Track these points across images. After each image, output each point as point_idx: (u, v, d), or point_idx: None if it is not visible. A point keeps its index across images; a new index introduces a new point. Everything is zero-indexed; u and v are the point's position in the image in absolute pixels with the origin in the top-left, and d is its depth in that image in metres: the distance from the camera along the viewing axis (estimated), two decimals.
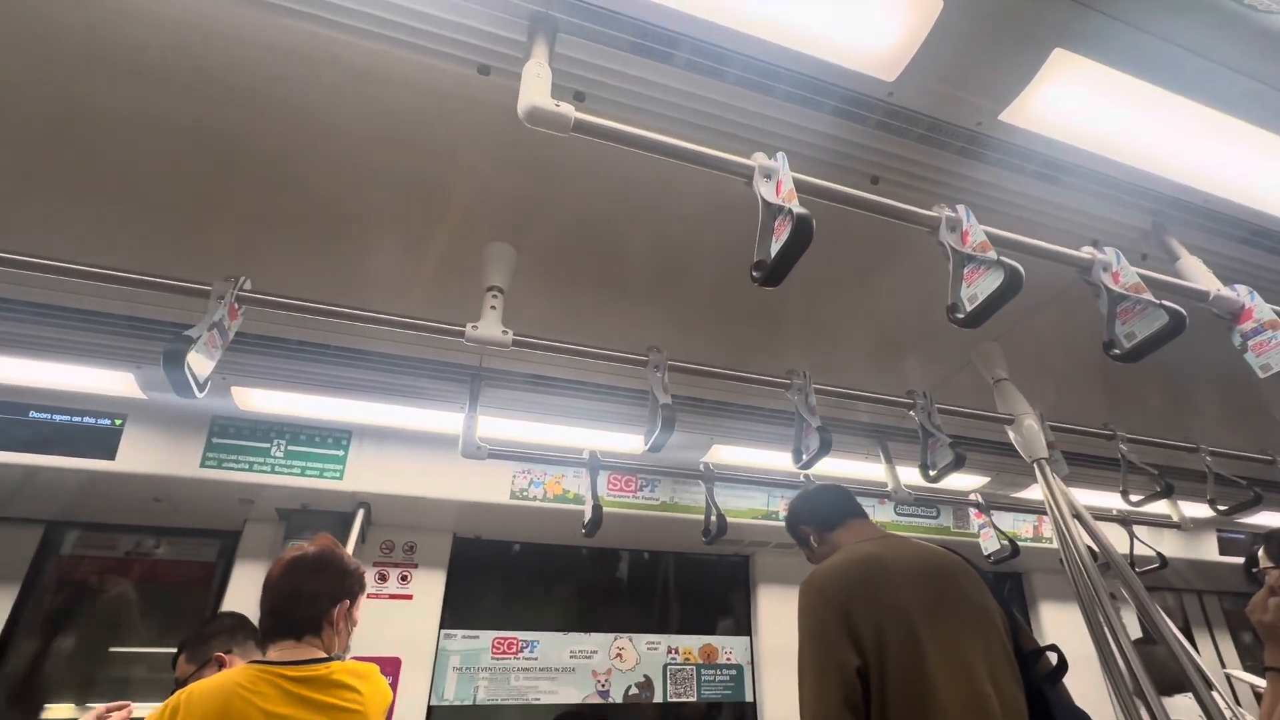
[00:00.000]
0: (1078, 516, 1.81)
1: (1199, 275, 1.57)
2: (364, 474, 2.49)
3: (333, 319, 1.45)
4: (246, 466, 2.36)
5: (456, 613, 2.87)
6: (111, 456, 2.25)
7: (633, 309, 2.06)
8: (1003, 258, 1.11)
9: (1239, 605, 4.42)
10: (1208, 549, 3.84)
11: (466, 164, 1.54)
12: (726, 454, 2.70)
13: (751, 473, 2.56)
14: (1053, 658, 1.46)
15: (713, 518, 2.25)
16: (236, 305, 1.36)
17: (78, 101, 1.36)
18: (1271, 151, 1.45)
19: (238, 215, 1.66)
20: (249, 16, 1.17)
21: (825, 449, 1.66)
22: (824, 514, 1.69)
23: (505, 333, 1.54)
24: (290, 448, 2.42)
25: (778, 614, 3.23)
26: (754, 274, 1.08)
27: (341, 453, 2.48)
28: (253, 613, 2.45)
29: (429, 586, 2.76)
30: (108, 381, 2.12)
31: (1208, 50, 1.24)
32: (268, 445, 2.40)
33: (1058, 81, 1.28)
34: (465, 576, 2.95)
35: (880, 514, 3.21)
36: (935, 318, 2.08)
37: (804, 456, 1.75)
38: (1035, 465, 1.93)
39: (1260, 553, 1.65)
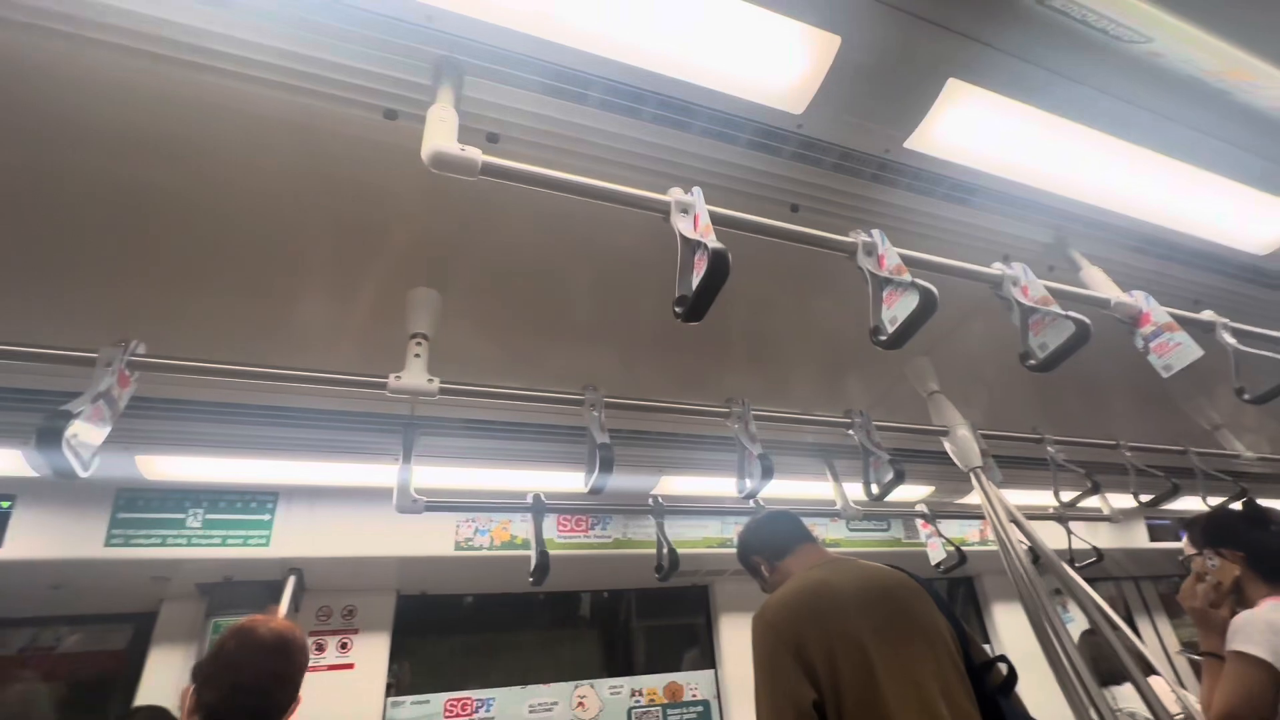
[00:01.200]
0: (1014, 520, 1.86)
1: (1101, 284, 1.66)
2: (294, 538, 2.32)
3: (240, 380, 1.35)
4: (159, 541, 2.16)
5: (403, 678, 2.69)
6: None
7: (571, 346, 2.03)
8: (917, 280, 1.13)
9: (1174, 589, 4.65)
10: (1139, 537, 4.04)
11: (384, 209, 1.49)
12: (677, 485, 2.67)
13: (703, 502, 2.53)
14: (1003, 668, 1.47)
15: (664, 552, 2.20)
16: (127, 372, 1.25)
17: None
18: (1151, 166, 1.56)
19: (142, 272, 1.55)
20: (149, 69, 1.10)
21: (767, 476, 1.65)
22: (773, 542, 1.68)
23: (431, 381, 1.48)
24: (209, 516, 2.24)
25: (740, 643, 3.16)
26: (676, 309, 1.06)
27: (267, 517, 2.31)
28: (171, 702, 2.24)
29: (372, 652, 2.58)
30: None
31: (1086, 77, 1.33)
32: (182, 516, 2.21)
33: (955, 109, 1.34)
34: (412, 637, 2.78)
35: (833, 531, 3.23)
36: (864, 337, 2.16)
37: (748, 485, 1.73)
38: (971, 474, 1.98)
39: (1184, 540, 1.74)
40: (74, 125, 1.21)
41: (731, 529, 3.00)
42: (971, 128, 1.41)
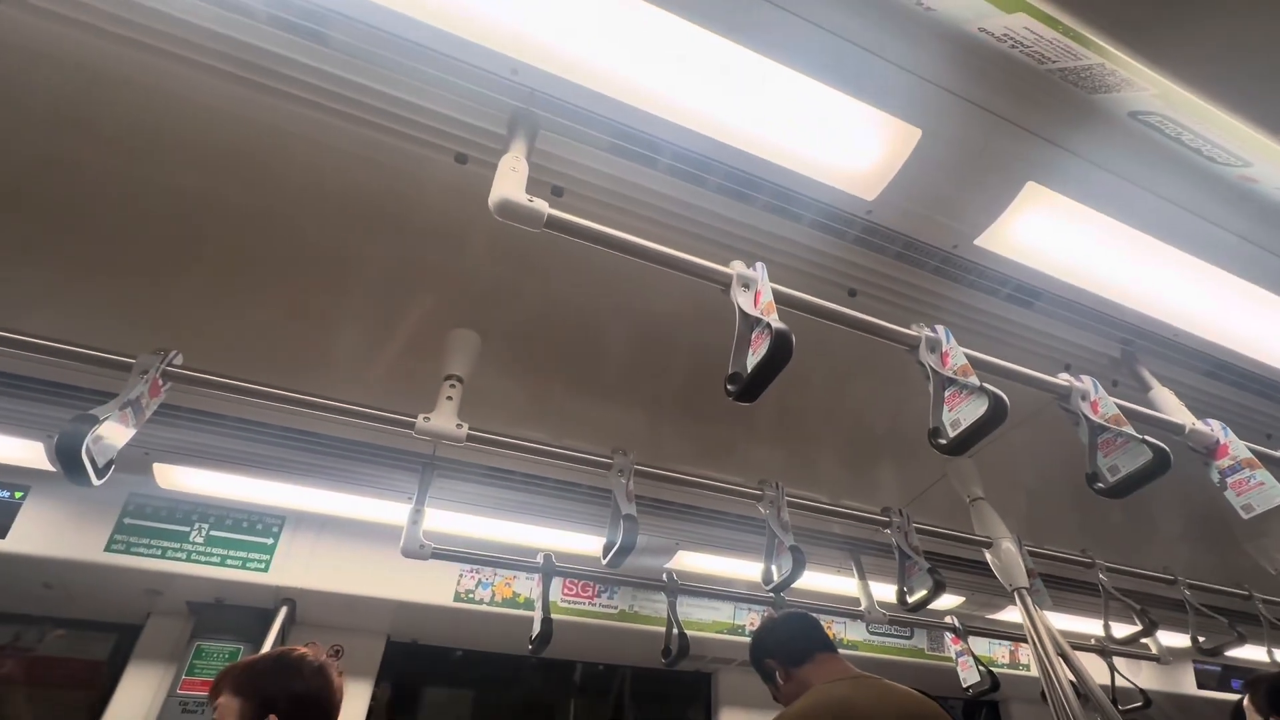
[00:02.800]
0: (1061, 653, 1.70)
1: (1172, 407, 1.55)
2: (293, 566, 2.25)
3: (272, 403, 1.32)
4: (159, 553, 2.11)
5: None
6: (2, 535, 1.99)
7: (598, 402, 1.98)
8: (986, 385, 1.06)
9: None
10: (1185, 682, 3.70)
11: (436, 249, 1.49)
12: (691, 560, 2.53)
13: (718, 584, 2.39)
14: None
15: (674, 634, 2.05)
16: (161, 381, 1.23)
17: (35, 157, 1.29)
18: (1232, 290, 1.49)
19: (192, 283, 1.56)
20: (220, 87, 1.13)
21: (799, 571, 1.54)
22: (790, 647, 1.54)
23: (460, 426, 1.43)
24: (213, 533, 2.18)
25: None
26: (729, 387, 1.01)
27: (270, 541, 2.25)
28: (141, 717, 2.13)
29: (354, 697, 2.44)
30: (11, 449, 1.91)
31: (1171, 194, 1.28)
32: (187, 529, 2.16)
33: (1030, 212, 1.30)
34: (396, 686, 2.63)
35: (851, 632, 3.02)
36: (909, 429, 2.06)
37: (775, 577, 1.61)
38: (1015, 594, 1.83)
39: (1245, 702, 1.55)
40: (152, 138, 1.24)
41: (744, 616, 2.82)
42: (1045, 232, 1.37)
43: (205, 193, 1.36)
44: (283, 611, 2.27)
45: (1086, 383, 1.33)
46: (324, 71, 1.10)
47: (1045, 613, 1.80)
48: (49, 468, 1.97)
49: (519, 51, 1.04)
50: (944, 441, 1.11)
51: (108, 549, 2.07)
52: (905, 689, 1.40)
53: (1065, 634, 1.78)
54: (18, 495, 2.05)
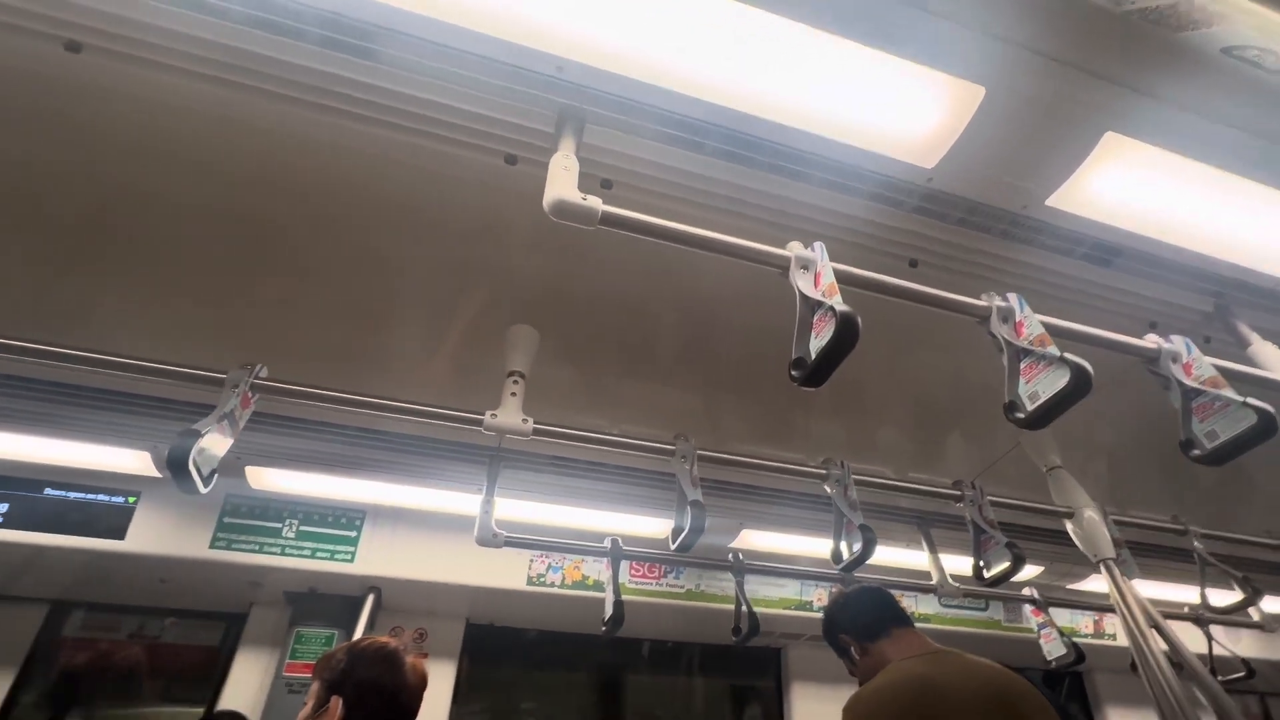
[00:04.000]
0: (1154, 625, 1.62)
1: (1275, 363, 1.44)
2: (376, 556, 2.38)
3: (347, 407, 1.40)
4: (256, 548, 2.27)
5: (467, 705, 2.67)
6: (121, 536, 2.19)
7: (657, 388, 1.99)
8: (1066, 355, 1.01)
9: None
10: None
11: (492, 249, 1.52)
12: (755, 539, 2.54)
13: (783, 562, 2.39)
14: None
15: (743, 613, 2.07)
16: (250, 394, 1.32)
17: (119, 190, 1.38)
18: None
19: (261, 299, 1.66)
20: (277, 110, 1.18)
21: (869, 550, 1.52)
22: (864, 623, 1.53)
23: (525, 421, 1.47)
24: (302, 528, 2.34)
25: (814, 713, 2.95)
26: (793, 373, 1.00)
27: (354, 534, 2.39)
28: (254, 703, 2.32)
29: (439, 677, 2.57)
30: (124, 459, 2.09)
31: (1264, 129, 1.17)
32: (279, 525, 2.32)
33: (1109, 165, 1.22)
34: (477, 665, 2.76)
35: (923, 605, 2.97)
36: (977, 398, 1.99)
37: (845, 556, 1.60)
38: (1101, 566, 1.75)
39: None
40: (218, 165, 1.31)
41: (812, 592, 2.82)
42: (1126, 184, 1.28)
43: (273, 214, 1.43)
44: (370, 599, 2.41)
45: (1177, 343, 1.25)
46: (377, 87, 1.13)
47: (1134, 582, 1.72)
48: (156, 474, 2.15)
49: (563, 49, 1.03)
50: (1022, 416, 1.06)
51: (212, 546, 2.24)
52: (988, 663, 1.37)
53: (1157, 603, 1.70)
54: (130, 500, 2.24)
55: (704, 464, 1.69)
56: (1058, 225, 1.36)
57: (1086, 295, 1.53)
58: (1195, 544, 2.02)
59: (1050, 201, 1.29)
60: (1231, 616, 2.49)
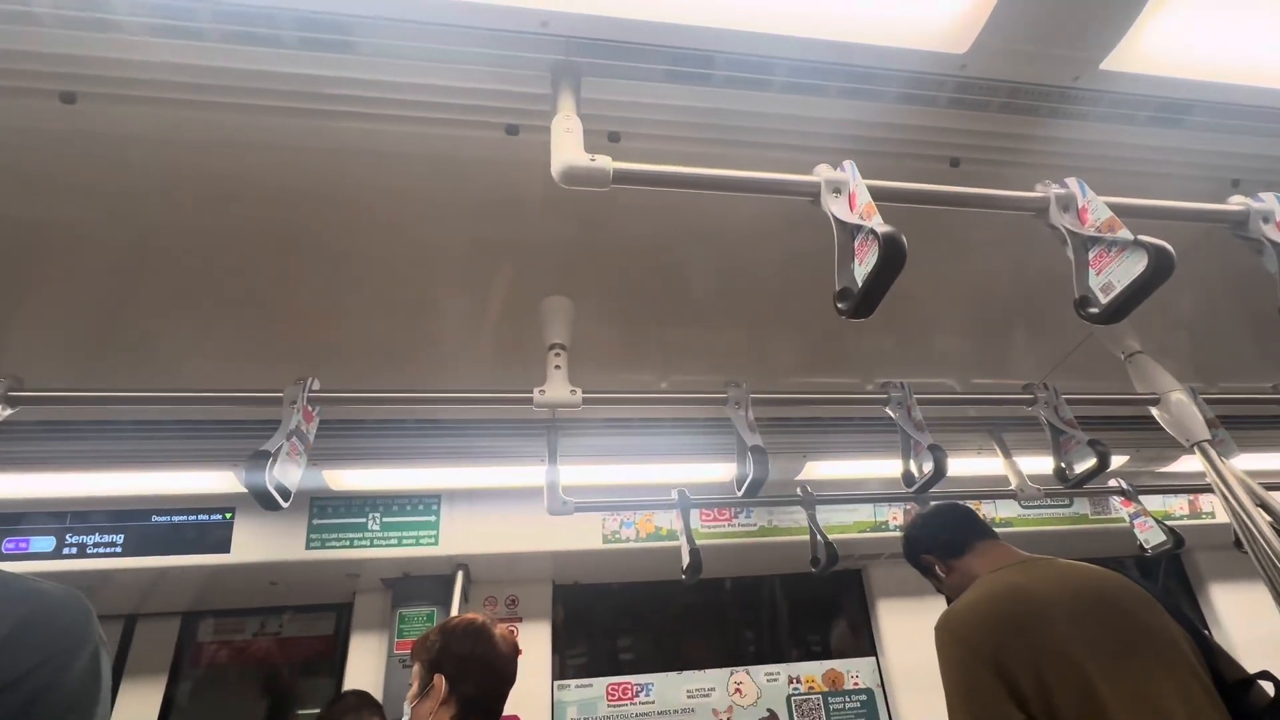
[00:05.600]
0: (1260, 503, 1.53)
1: None
2: (458, 536, 2.50)
3: (400, 406, 1.43)
4: (347, 543, 2.42)
5: (566, 661, 2.82)
6: (227, 549, 2.36)
7: (701, 337, 1.95)
8: (1141, 237, 0.92)
9: None
10: None
11: (509, 224, 1.49)
12: (822, 470, 2.52)
13: (853, 488, 2.37)
14: (1268, 688, 1.21)
15: (820, 544, 2.08)
16: (310, 408, 1.36)
17: (144, 231, 1.41)
18: None
19: (302, 310, 1.69)
20: (275, 123, 1.16)
21: (941, 472, 1.48)
22: (946, 539, 1.51)
23: (574, 392, 1.47)
24: (385, 519, 2.47)
25: (902, 629, 2.99)
26: (839, 306, 0.94)
27: (433, 518, 2.51)
28: (375, 680, 2.53)
29: (536, 638, 2.73)
30: (215, 481, 2.23)
31: None
32: (364, 520, 2.45)
33: (1171, 9, 1.07)
34: (570, 623, 2.91)
35: (1002, 509, 2.91)
36: (1038, 295, 1.86)
37: (917, 478, 1.56)
38: (1196, 449, 1.65)
39: None
40: (229, 186, 1.31)
41: (885, 512, 2.80)
42: (1192, 28, 1.13)
43: (294, 227, 1.43)
44: (460, 576, 2.55)
45: (1269, 200, 1.12)
46: (364, 80, 1.10)
47: (1237, 468, 1.62)
48: (245, 490, 2.28)
49: (545, 1, 0.97)
50: (1097, 310, 0.98)
51: (308, 547, 2.40)
52: (1083, 565, 1.33)
53: (1258, 475, 1.60)
54: (228, 516, 2.40)
55: (759, 405, 1.67)
56: (1117, 91, 1.21)
57: (1157, 164, 1.38)
58: None
59: (1106, 65, 1.15)
60: None
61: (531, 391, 1.49)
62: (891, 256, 0.82)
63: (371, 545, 2.43)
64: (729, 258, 1.70)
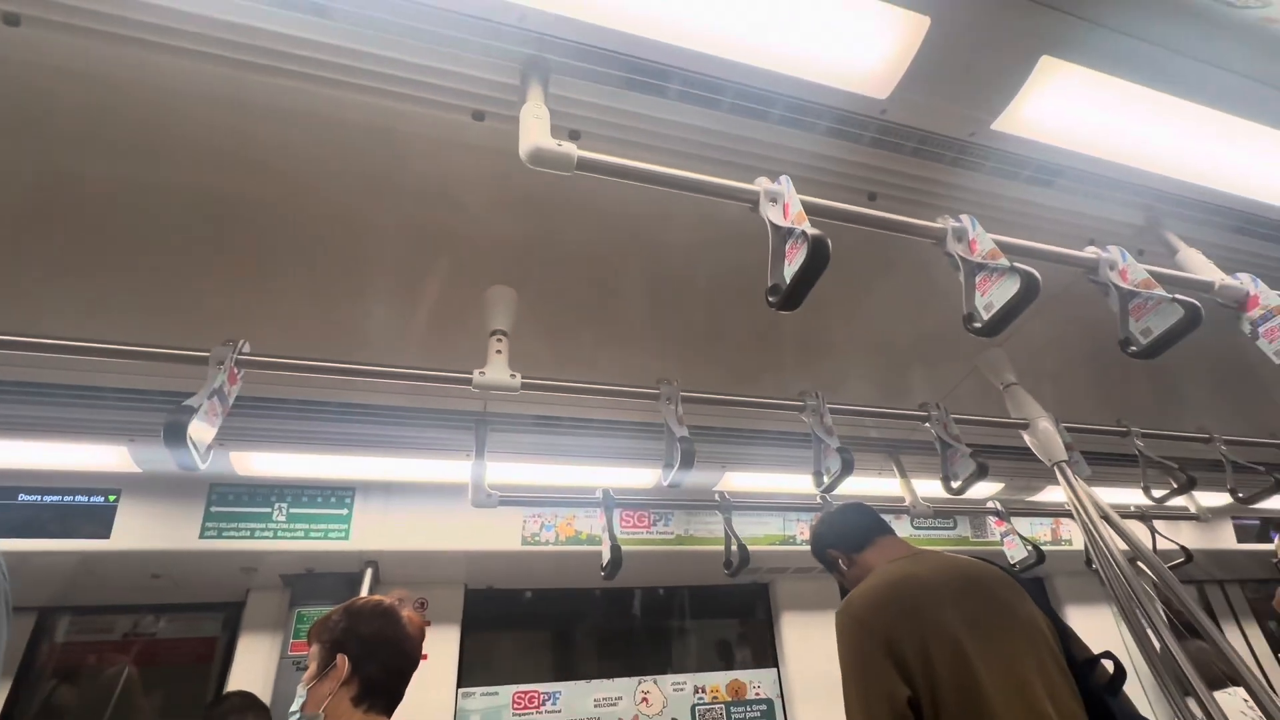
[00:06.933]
0: (1105, 517, 1.78)
1: (1200, 266, 1.57)
2: (370, 531, 2.41)
3: (337, 376, 1.41)
4: (248, 534, 2.28)
5: (473, 669, 2.75)
6: (107, 534, 2.16)
7: (634, 341, 2.04)
8: (1016, 264, 1.10)
9: (1261, 593, 4.36)
10: (1225, 538, 3.81)
11: (463, 209, 1.53)
12: (738, 480, 2.65)
13: (767, 498, 2.51)
14: (1109, 665, 1.41)
15: (733, 548, 2.19)
16: (236, 370, 1.32)
17: (65, 174, 1.34)
18: (1258, 141, 1.47)
19: (229, 276, 1.64)
20: (232, 76, 1.16)
21: (848, 470, 1.63)
22: (850, 534, 1.65)
23: (513, 376, 1.51)
24: (293, 510, 2.35)
25: (803, 642, 3.14)
26: (770, 299, 1.06)
27: (346, 511, 2.41)
28: (263, 685, 2.36)
29: (443, 643, 2.66)
30: (100, 457, 2.05)
31: (1191, 48, 1.26)
32: (269, 510, 2.32)
33: (1047, 88, 1.30)
34: (480, 629, 2.84)
35: (898, 530, 3.14)
36: (934, 329, 2.10)
37: (825, 479, 1.71)
38: (1056, 469, 1.90)
39: (1276, 542, 1.61)
40: (162, 138, 1.28)
41: (794, 526, 2.96)
42: (1062, 106, 1.36)
43: (231, 187, 1.40)
44: (368, 573, 2.45)
45: (1114, 252, 1.36)
46: (331, 45, 1.12)
47: (1090, 488, 1.88)
48: (136, 469, 2.12)
49: None
50: (979, 325, 1.15)
51: (202, 535, 2.24)
52: (964, 557, 1.50)
53: (1109, 505, 1.86)
54: (111, 498, 2.21)
55: (687, 408, 1.76)
56: (1003, 149, 1.44)
57: (1032, 216, 1.63)
58: (1137, 443, 2.21)
59: (995, 126, 1.36)
60: (1171, 510, 2.73)
61: (471, 373, 1.51)
62: (817, 254, 0.94)
63: (275, 537, 2.30)
64: (668, 268, 1.81)
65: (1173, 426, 2.46)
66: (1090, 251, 1.38)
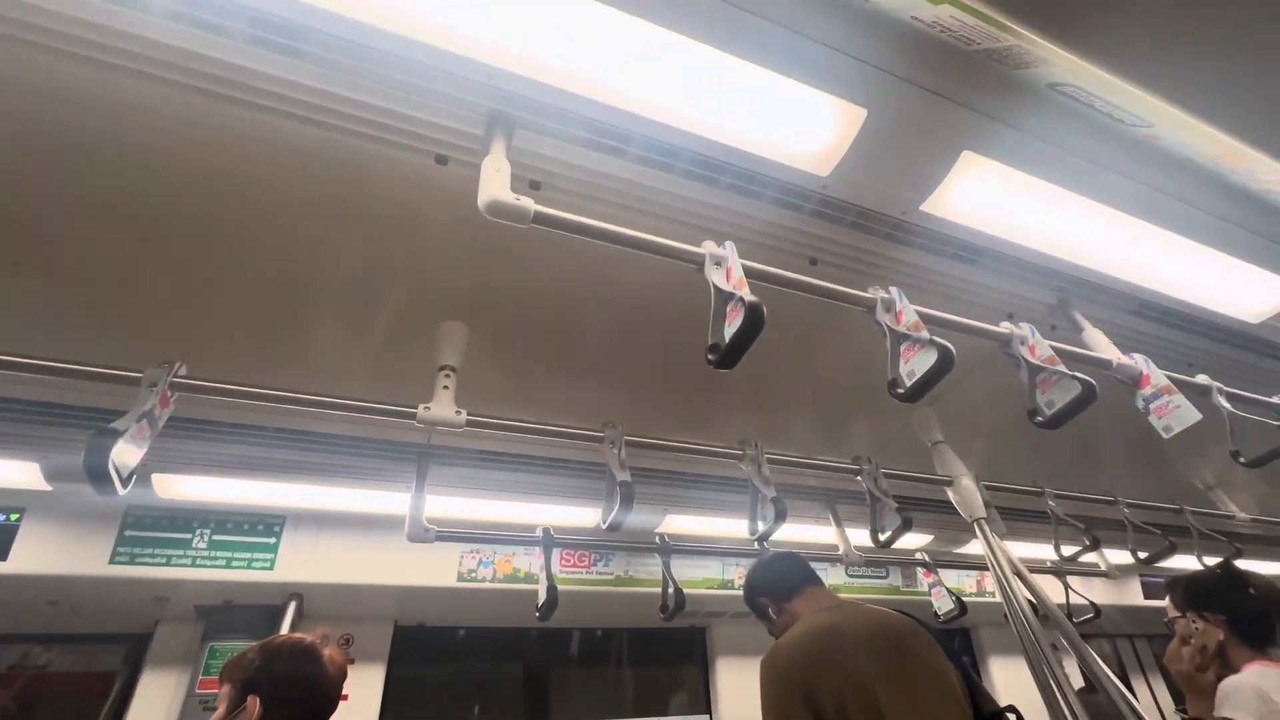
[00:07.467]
0: (1017, 573, 1.89)
1: (1102, 345, 1.73)
2: (298, 563, 2.32)
3: (278, 404, 1.39)
4: (164, 560, 2.15)
5: (398, 710, 2.64)
6: (4, 556, 2.01)
7: (582, 382, 2.08)
8: (935, 338, 1.20)
9: (1164, 649, 4.62)
10: (1134, 594, 4.05)
11: (420, 245, 1.55)
12: (680, 523, 2.68)
13: (707, 543, 2.54)
14: (1012, 718, 1.48)
15: (670, 591, 2.20)
16: (169, 393, 1.29)
17: None
18: (1150, 237, 1.65)
19: (169, 294, 1.59)
20: (186, 100, 1.16)
21: (780, 520, 1.69)
22: (780, 584, 1.70)
23: (459, 413, 1.52)
24: (215, 537, 2.24)
25: (738, 687, 3.14)
26: (709, 357, 1.12)
27: (273, 540, 2.31)
28: None
29: (367, 684, 2.54)
30: (5, 472, 1.92)
31: (1091, 154, 1.42)
32: (189, 536, 2.21)
33: (968, 178, 1.43)
34: (407, 669, 2.74)
35: (831, 577, 3.23)
36: (874, 385, 2.21)
37: (760, 528, 1.76)
38: (975, 524, 2.02)
39: (1167, 601, 1.73)
40: (121, 156, 1.27)
41: (733, 570, 3.00)
42: (982, 195, 1.50)
43: (183, 207, 1.39)
44: (291, 607, 2.34)
45: (1025, 329, 1.49)
46: (300, 84, 1.15)
47: (1004, 543, 2.00)
48: (44, 487, 1.99)
49: (494, 58, 1.10)
50: (902, 391, 1.24)
51: (112, 561, 2.10)
52: (886, 610, 1.57)
53: (1024, 560, 1.98)
54: (14, 517, 2.06)
55: (630, 451, 1.80)
56: (930, 229, 1.57)
57: (956, 290, 1.76)
58: (1050, 503, 2.35)
59: (924, 208, 1.49)
60: (1083, 567, 2.90)
61: (416, 407, 1.51)
62: (754, 320, 1.01)
63: (193, 565, 2.18)
64: (617, 322, 1.87)
65: (1084, 488, 2.64)
66: (1005, 327, 1.50)
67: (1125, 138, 1.36)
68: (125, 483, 1.18)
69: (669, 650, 3.36)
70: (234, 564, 2.23)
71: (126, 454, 1.18)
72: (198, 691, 2.22)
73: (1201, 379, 1.79)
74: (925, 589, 2.74)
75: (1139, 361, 1.65)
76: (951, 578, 3.35)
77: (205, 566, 2.19)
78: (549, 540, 2.08)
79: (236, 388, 1.37)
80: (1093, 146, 1.40)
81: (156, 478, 2.02)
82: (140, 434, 1.21)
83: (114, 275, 1.53)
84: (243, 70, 1.12)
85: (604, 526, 1.56)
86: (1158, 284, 1.83)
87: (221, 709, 1.27)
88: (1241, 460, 1.75)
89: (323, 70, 1.13)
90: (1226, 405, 1.76)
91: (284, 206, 1.42)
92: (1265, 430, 1.82)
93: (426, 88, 1.16)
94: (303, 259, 1.55)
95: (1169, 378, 1.60)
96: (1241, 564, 2.21)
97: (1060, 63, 1.15)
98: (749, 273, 1.22)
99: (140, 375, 1.28)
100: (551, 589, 1.95)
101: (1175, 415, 1.55)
